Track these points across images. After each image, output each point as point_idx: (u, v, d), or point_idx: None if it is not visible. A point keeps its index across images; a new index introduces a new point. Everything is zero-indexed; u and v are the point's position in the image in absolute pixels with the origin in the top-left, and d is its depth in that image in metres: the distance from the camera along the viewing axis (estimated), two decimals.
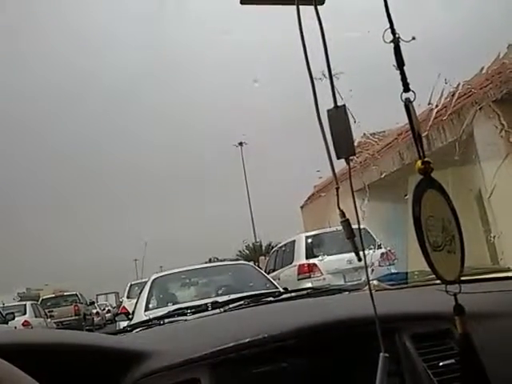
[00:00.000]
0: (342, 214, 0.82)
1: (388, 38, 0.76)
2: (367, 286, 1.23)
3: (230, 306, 1.46)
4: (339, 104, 0.84)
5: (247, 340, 0.95)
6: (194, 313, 1.44)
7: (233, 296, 4.69)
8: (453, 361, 0.92)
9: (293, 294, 1.64)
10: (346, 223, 0.81)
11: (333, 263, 7.76)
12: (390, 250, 8.08)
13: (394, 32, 0.76)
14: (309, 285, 7.75)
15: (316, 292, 1.57)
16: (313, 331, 0.99)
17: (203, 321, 1.35)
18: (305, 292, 1.62)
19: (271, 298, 1.55)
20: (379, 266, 7.82)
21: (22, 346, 0.83)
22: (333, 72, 0.88)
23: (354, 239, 0.80)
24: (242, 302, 1.47)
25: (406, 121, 0.78)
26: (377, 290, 1.30)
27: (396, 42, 0.76)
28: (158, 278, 5.31)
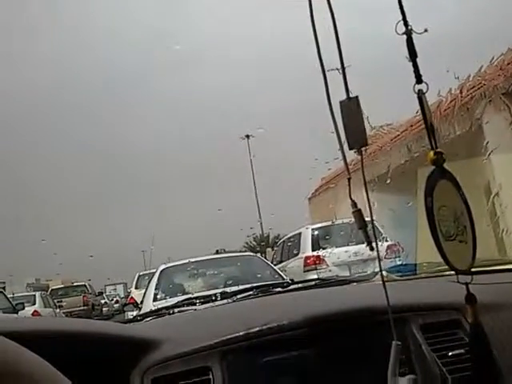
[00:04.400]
0: (354, 204, 0.82)
1: (400, 30, 0.76)
2: (376, 277, 1.22)
3: (239, 296, 1.47)
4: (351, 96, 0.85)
5: (257, 329, 0.95)
6: (203, 303, 1.44)
7: (241, 287, 4.69)
8: (462, 351, 0.93)
9: (301, 285, 1.63)
10: (358, 213, 0.81)
11: (339, 255, 7.78)
12: (397, 243, 8.06)
13: (406, 24, 0.76)
14: (314, 276, 7.77)
15: (324, 283, 1.56)
16: (323, 320, 0.99)
17: (213, 310, 1.35)
18: (313, 283, 1.61)
19: (280, 289, 1.54)
20: (385, 258, 7.82)
21: (36, 333, 0.84)
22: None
23: (366, 229, 0.80)
24: (250, 292, 1.48)
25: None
26: (386, 281, 1.31)
27: (408, 33, 0.76)
28: (166, 268, 5.35)
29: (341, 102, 0.80)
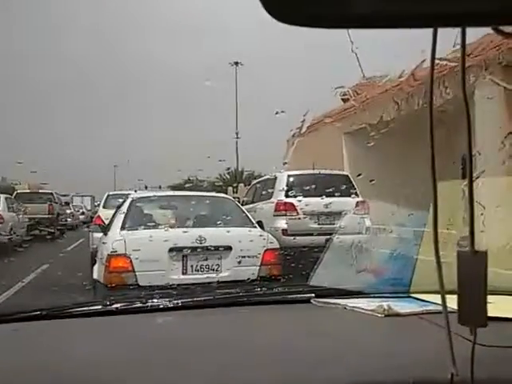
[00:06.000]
0: None
1: None
2: (381, 308, 1.08)
3: (221, 297, 1.28)
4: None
5: None
6: (182, 293, 1.29)
7: (211, 231, 4.63)
8: None
9: (293, 297, 1.27)
10: None
11: (310, 205, 7.87)
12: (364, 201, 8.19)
13: None
14: (283, 222, 7.88)
15: (320, 294, 1.22)
16: None
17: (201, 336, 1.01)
18: (306, 296, 1.24)
19: (264, 293, 1.31)
20: (354, 214, 7.99)
21: None
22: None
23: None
24: (235, 295, 1.30)
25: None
26: (387, 315, 1.07)
27: None
28: (137, 199, 5.28)
29: (459, 253, 0.56)
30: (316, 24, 0.40)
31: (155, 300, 1.20)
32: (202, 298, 1.26)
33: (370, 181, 7.27)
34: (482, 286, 0.55)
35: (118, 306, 1.16)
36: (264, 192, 8.76)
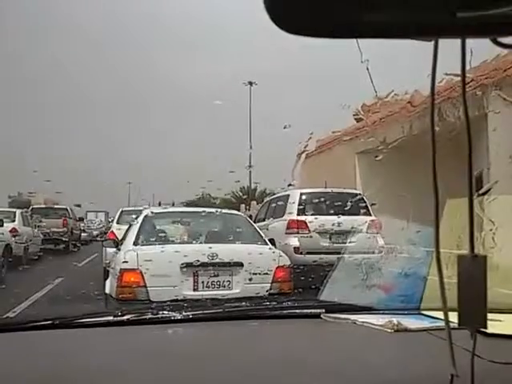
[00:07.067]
0: None
1: None
2: (391, 323, 1.09)
3: (231, 310, 1.28)
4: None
5: None
6: (192, 306, 1.29)
7: (223, 248, 4.64)
8: None
9: (303, 311, 1.26)
10: None
11: (322, 223, 7.84)
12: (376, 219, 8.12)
13: None
14: (295, 240, 7.84)
15: (330, 309, 1.22)
16: None
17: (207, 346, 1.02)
18: (317, 306, 1.25)
19: (274, 307, 1.31)
20: (366, 232, 7.92)
21: None
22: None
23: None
24: (245, 309, 1.30)
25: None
26: (396, 331, 1.07)
27: None
28: (150, 214, 5.34)
29: (460, 257, 0.57)
30: (320, 34, 0.42)
31: (166, 312, 1.22)
32: (213, 311, 1.27)
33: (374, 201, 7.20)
34: (481, 289, 0.56)
35: (129, 316, 1.18)
36: (276, 209, 8.76)
